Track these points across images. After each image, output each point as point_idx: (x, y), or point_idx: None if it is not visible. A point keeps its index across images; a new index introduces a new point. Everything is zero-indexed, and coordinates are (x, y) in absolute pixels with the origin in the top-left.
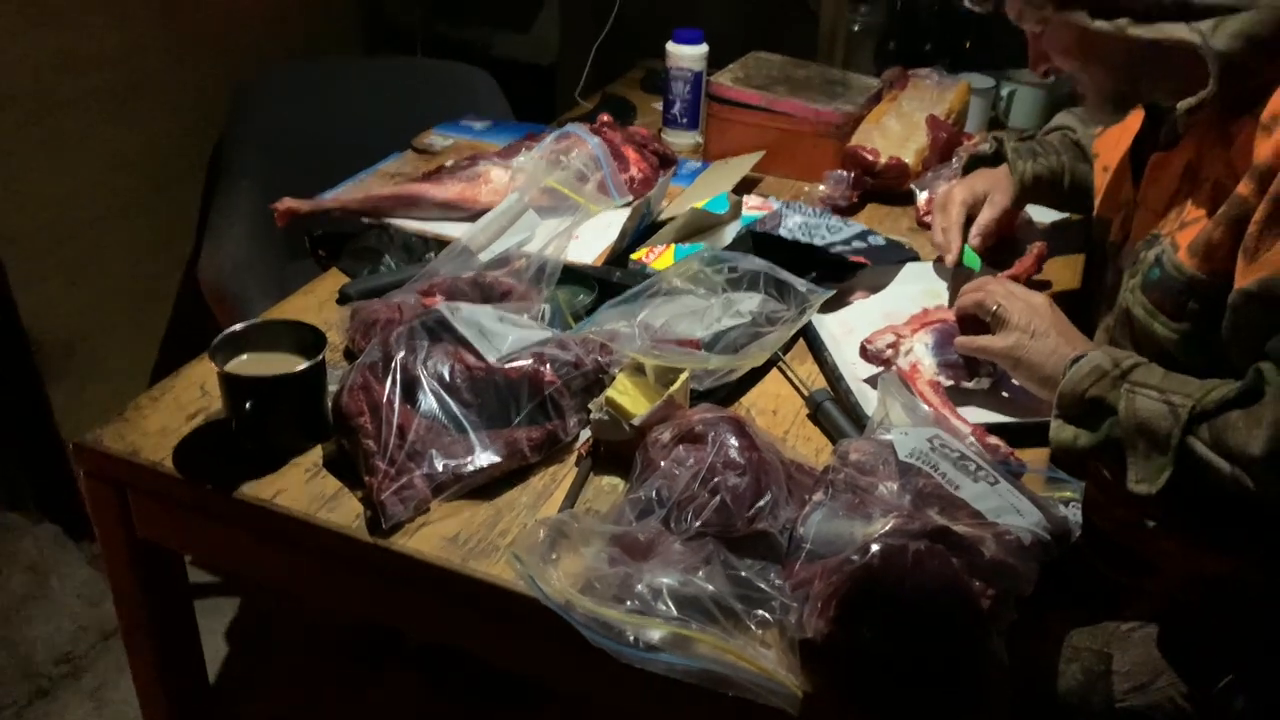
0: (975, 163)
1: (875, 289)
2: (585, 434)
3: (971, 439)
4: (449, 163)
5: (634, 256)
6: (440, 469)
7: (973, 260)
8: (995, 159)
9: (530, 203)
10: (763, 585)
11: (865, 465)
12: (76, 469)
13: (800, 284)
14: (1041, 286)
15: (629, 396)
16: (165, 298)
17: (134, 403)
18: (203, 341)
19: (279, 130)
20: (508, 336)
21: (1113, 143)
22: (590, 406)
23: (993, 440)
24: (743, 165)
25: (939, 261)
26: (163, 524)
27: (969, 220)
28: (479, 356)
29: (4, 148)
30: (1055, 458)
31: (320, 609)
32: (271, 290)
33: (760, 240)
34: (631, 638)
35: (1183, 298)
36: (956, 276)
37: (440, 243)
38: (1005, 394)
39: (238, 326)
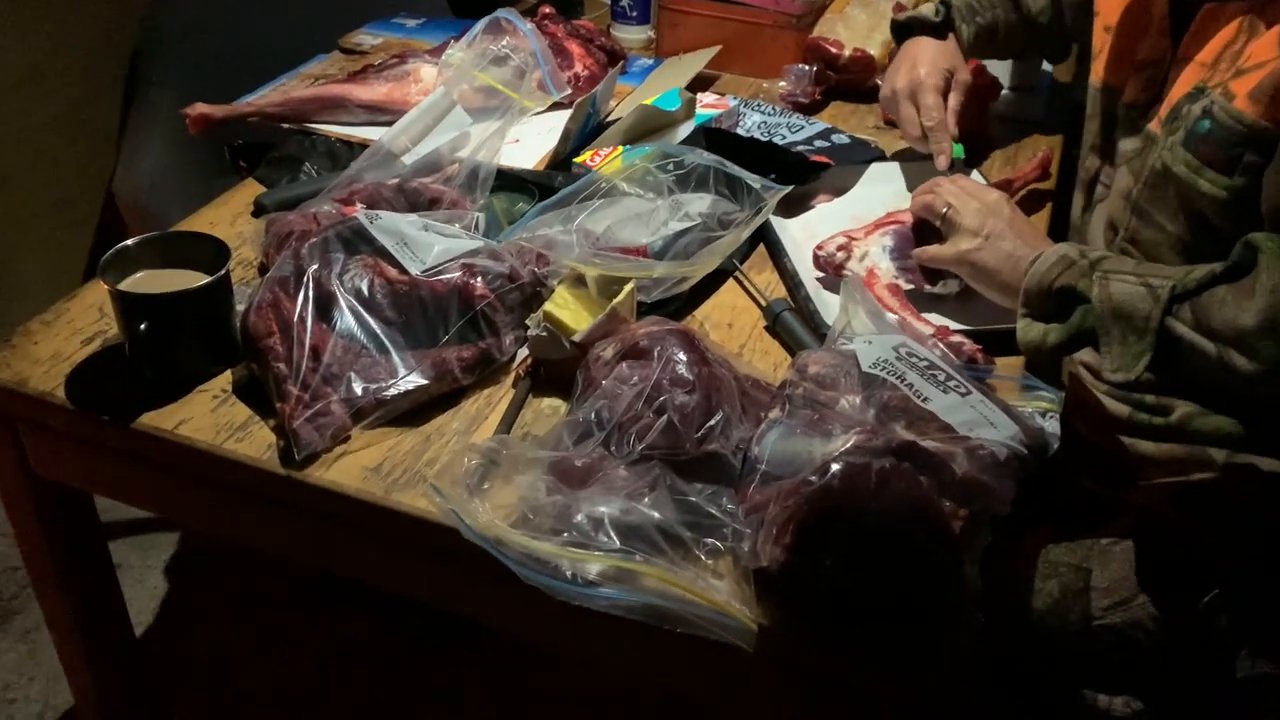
0: (913, 27)
1: (840, 191)
2: (522, 352)
3: (935, 341)
4: (376, 62)
5: (578, 160)
6: (360, 393)
7: (958, 152)
8: (941, 27)
9: (459, 100)
10: (714, 511)
11: (825, 378)
12: None
13: (755, 181)
14: (1046, 195)
15: (569, 310)
16: (87, 218)
17: (23, 328)
18: None
19: (201, 34)
20: (433, 247)
21: (1117, 1)
22: (527, 322)
23: (956, 339)
24: (697, 61)
25: (905, 157)
26: (59, 461)
27: None
28: (402, 270)
29: None
30: (1026, 358)
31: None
32: (194, 207)
33: (714, 138)
34: (569, 573)
35: (1237, 150)
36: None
37: (365, 148)
38: (974, 300)
39: (130, 241)
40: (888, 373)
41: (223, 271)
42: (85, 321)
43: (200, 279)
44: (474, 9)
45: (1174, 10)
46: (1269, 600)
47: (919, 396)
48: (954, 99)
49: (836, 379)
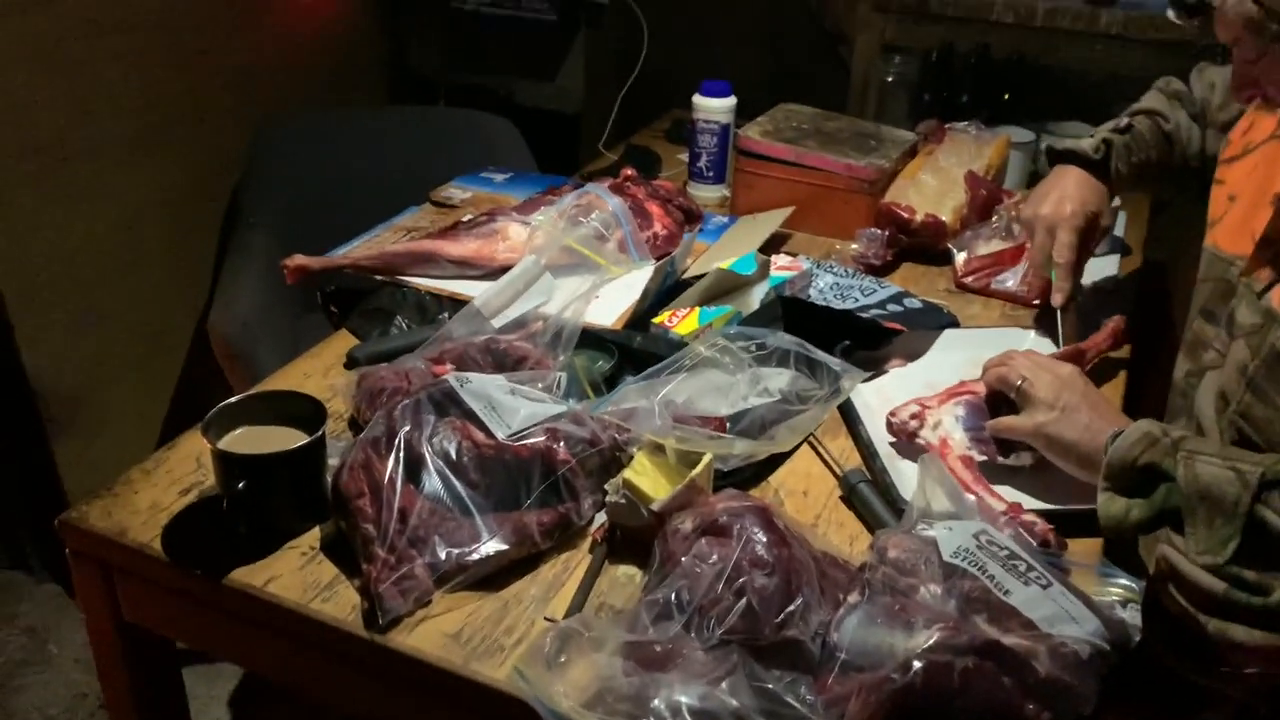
0: (1069, 158)
1: (913, 356)
2: (600, 518)
3: (1008, 519)
4: (466, 218)
5: (656, 320)
6: (443, 557)
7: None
8: (1098, 165)
9: (548, 264)
10: (792, 701)
11: (905, 564)
12: (67, 546)
13: (834, 363)
14: (1119, 364)
15: (648, 478)
16: (176, 351)
17: (124, 476)
18: (213, 400)
19: (296, 180)
20: (519, 411)
21: (1246, 172)
22: (606, 488)
23: (1028, 517)
24: (771, 221)
25: (977, 324)
26: (150, 608)
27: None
28: (488, 433)
29: (19, 199)
30: (1106, 533)
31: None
32: (283, 346)
33: (790, 306)
34: None
35: None
36: (1064, 320)
37: (455, 302)
38: (1047, 475)
39: (233, 400)
40: (969, 562)
41: (318, 433)
42: (183, 471)
43: (297, 436)
44: (559, 165)
45: None
46: None
47: (1000, 589)
48: (1090, 245)
49: (916, 565)
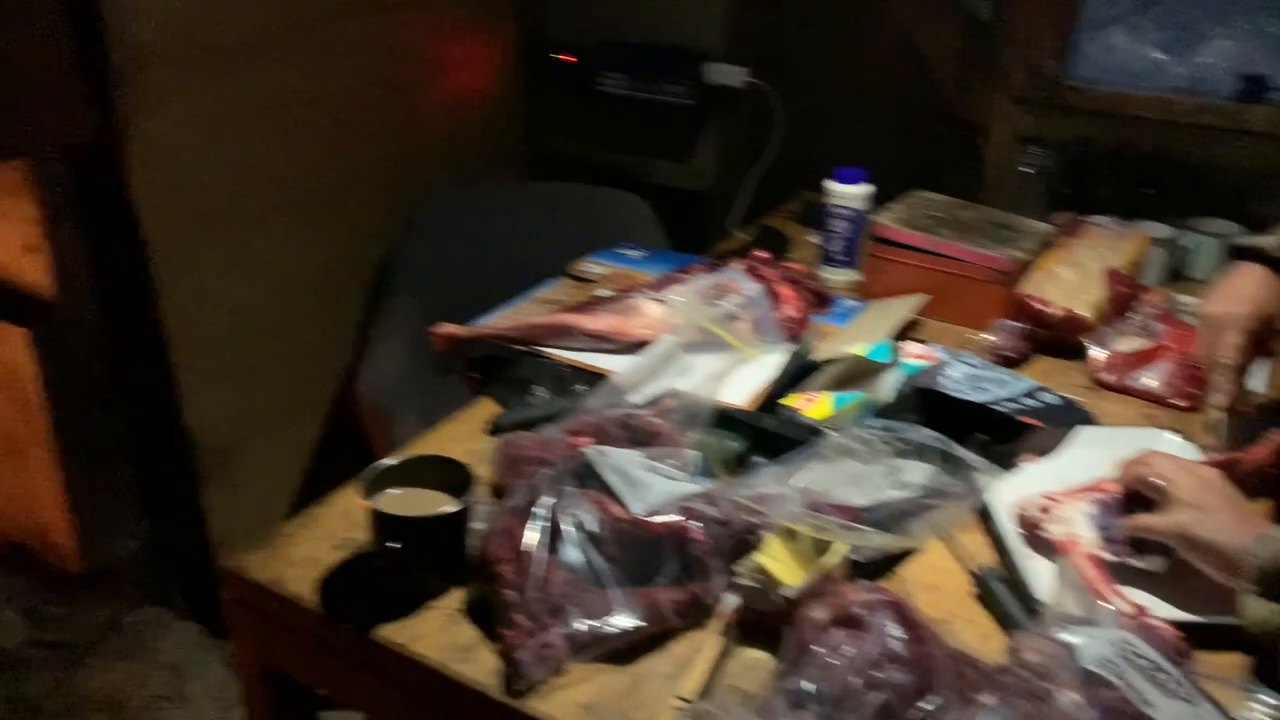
0: (1251, 254)
1: (1047, 452)
2: (730, 599)
3: (1132, 622)
4: (603, 293)
5: (787, 402)
6: (581, 628)
7: None
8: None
9: (685, 343)
10: None
11: (1043, 669)
12: (224, 592)
13: (977, 461)
14: (1273, 485)
15: (781, 564)
16: (319, 409)
17: (282, 529)
18: (350, 455)
19: (441, 251)
20: (655, 487)
21: None
22: (738, 570)
23: (1155, 623)
24: (903, 308)
25: (1115, 423)
26: (298, 656)
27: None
28: (625, 508)
29: (195, 259)
30: (1252, 637)
31: None
32: (423, 408)
33: (925, 396)
34: None
35: None
36: (1219, 426)
37: (591, 374)
38: (1184, 584)
39: (390, 460)
40: (1110, 671)
41: (470, 500)
42: (335, 527)
43: (443, 500)
44: (688, 242)
45: None
46: None
47: (1144, 701)
48: (1263, 350)
49: (1055, 671)
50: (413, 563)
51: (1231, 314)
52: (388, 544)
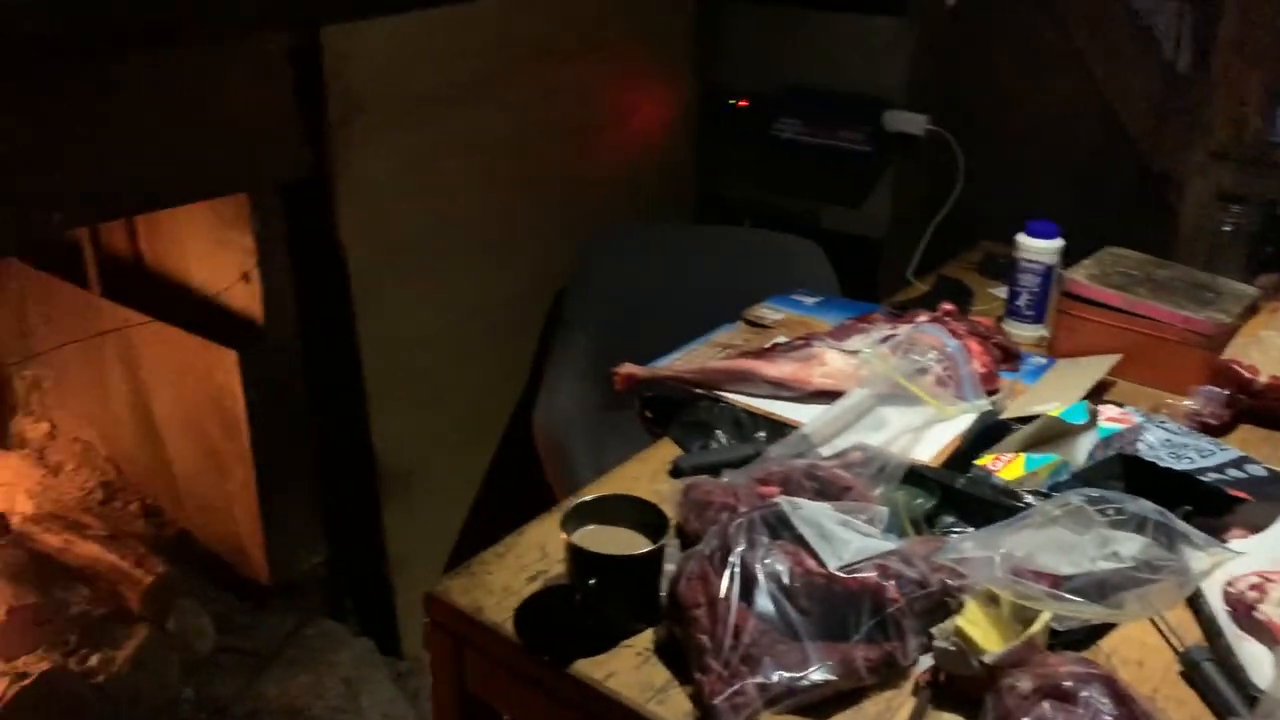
0: None
1: (1257, 528)
2: (925, 661)
3: None
4: (781, 339)
5: (979, 462)
6: (775, 679)
7: None
8: None
9: (876, 397)
10: None
11: None
12: (426, 617)
13: (1198, 536)
14: None
15: (980, 629)
16: (493, 437)
17: (479, 558)
18: (521, 483)
19: (614, 289)
20: (851, 543)
21: None
22: (934, 632)
23: None
24: (1097, 368)
25: None
26: (493, 683)
27: None
28: (819, 561)
29: (389, 291)
30: None
31: None
32: (594, 443)
33: (1131, 464)
34: None
35: None
36: None
37: (769, 420)
38: None
39: (589, 498)
40: None
41: (664, 541)
42: (530, 559)
43: (636, 538)
44: (859, 289)
45: None
46: None
47: None
48: None
49: None
50: (608, 600)
51: None
52: (585, 580)
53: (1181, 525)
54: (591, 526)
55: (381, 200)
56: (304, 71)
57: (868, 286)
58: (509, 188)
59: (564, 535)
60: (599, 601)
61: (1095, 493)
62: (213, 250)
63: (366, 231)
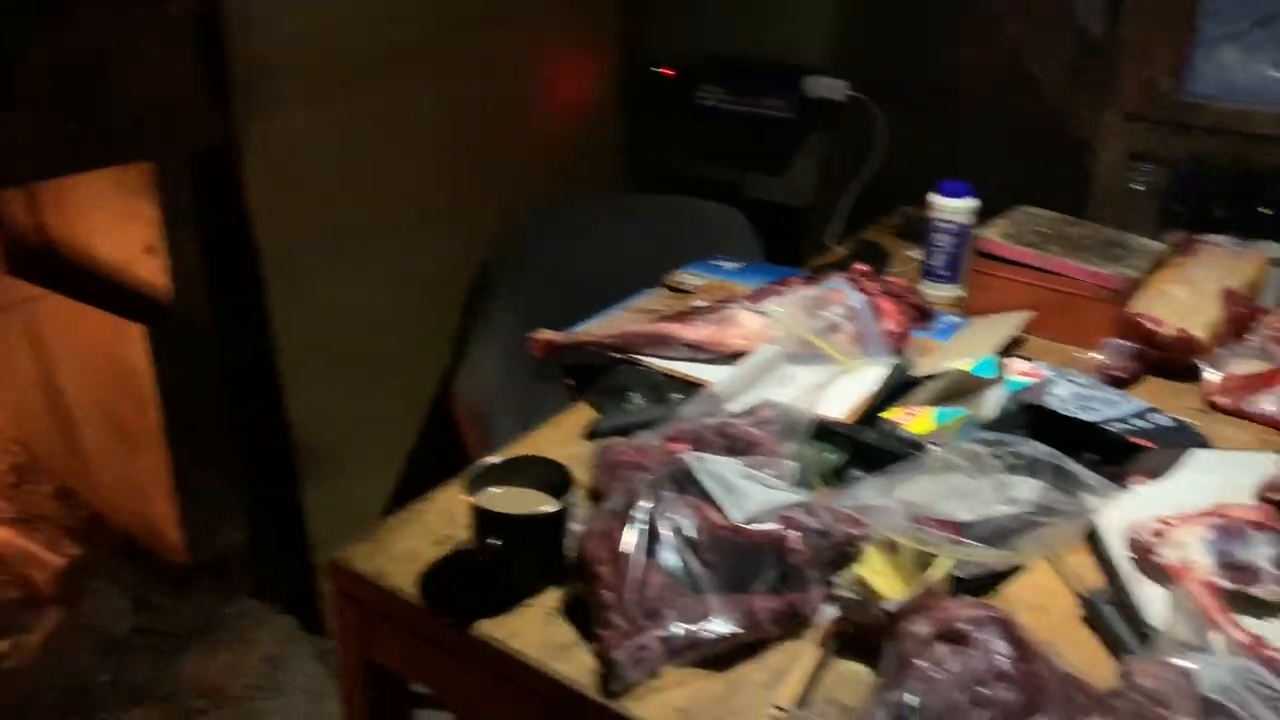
0: None
1: (1158, 475)
2: (827, 610)
3: (1246, 654)
4: (700, 303)
5: (888, 416)
6: (678, 632)
7: None
8: None
9: (785, 355)
10: None
11: (1158, 694)
12: (331, 584)
13: (1091, 478)
14: None
15: (882, 577)
16: (418, 412)
17: (385, 524)
18: (446, 458)
19: (539, 261)
20: (754, 496)
21: None
22: (837, 582)
23: (1271, 653)
24: (1008, 325)
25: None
26: (399, 650)
27: None
28: (723, 514)
29: (305, 263)
30: None
31: None
32: (518, 412)
33: (1033, 413)
34: None
35: None
36: None
37: (687, 383)
38: None
39: (493, 459)
40: (1231, 700)
41: (570, 500)
42: (437, 523)
43: (542, 499)
44: (784, 256)
45: None
46: None
47: None
48: None
49: (1170, 697)
50: (512, 560)
51: None
52: (489, 541)
53: (1074, 466)
54: (497, 489)
55: (297, 170)
56: (207, 36)
57: (793, 254)
58: (432, 159)
59: (467, 497)
60: (503, 562)
61: (991, 437)
62: (119, 222)
63: (280, 202)
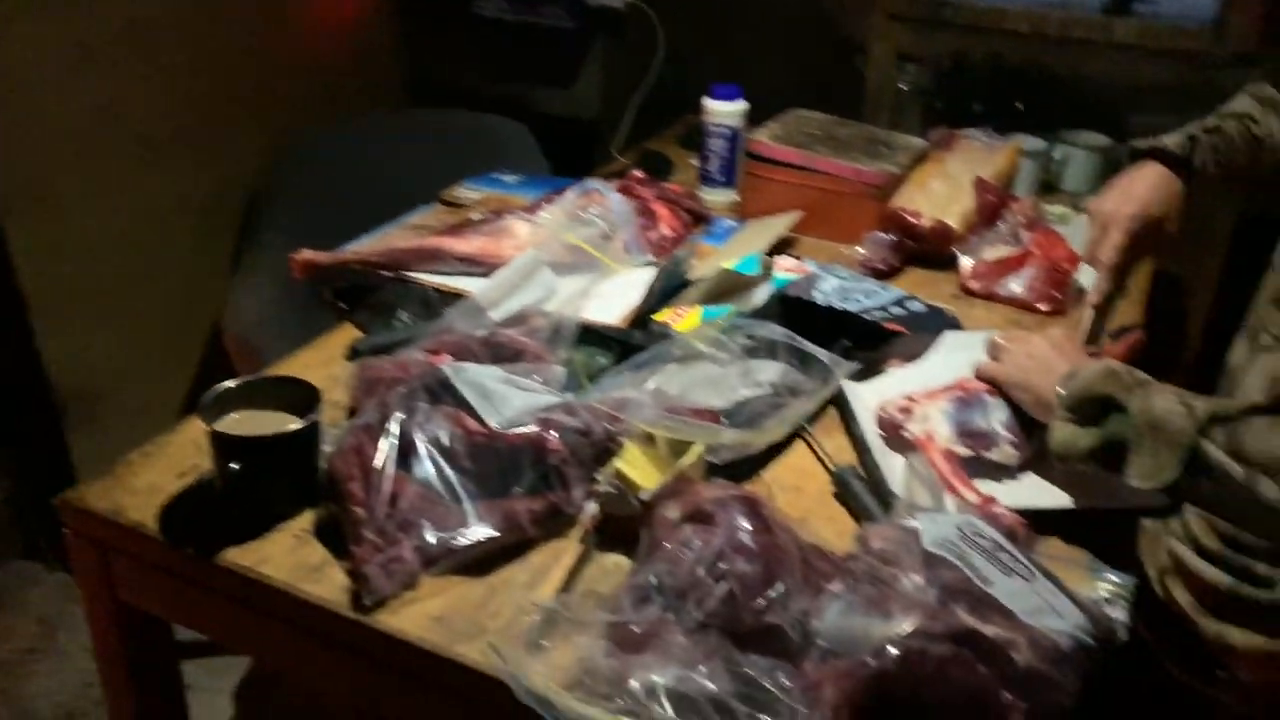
0: (1152, 154)
1: (913, 358)
2: (590, 507)
3: (977, 512)
4: (474, 216)
5: (657, 318)
6: (432, 541)
7: None
8: (1181, 162)
9: (549, 260)
10: (769, 686)
11: (888, 554)
12: (66, 526)
13: (823, 355)
14: None
15: (638, 469)
16: (193, 350)
17: (125, 459)
18: None
19: (313, 184)
20: (512, 401)
21: None
22: (597, 478)
23: (997, 509)
24: (778, 225)
25: (979, 327)
26: (145, 588)
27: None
28: (481, 421)
29: (49, 193)
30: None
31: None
32: (295, 345)
33: (790, 305)
34: None
35: None
36: (1093, 321)
37: (460, 298)
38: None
39: (230, 383)
40: (950, 552)
41: (313, 417)
42: (182, 456)
43: (292, 421)
44: (576, 171)
45: None
46: None
47: (982, 580)
48: (1145, 249)
49: (899, 555)
50: (255, 484)
51: (1119, 213)
52: (228, 466)
53: (808, 345)
54: (241, 413)
55: (31, 90)
56: None
57: (583, 167)
58: (183, 77)
59: (201, 422)
60: (245, 487)
61: (730, 323)
62: None
63: (15, 126)
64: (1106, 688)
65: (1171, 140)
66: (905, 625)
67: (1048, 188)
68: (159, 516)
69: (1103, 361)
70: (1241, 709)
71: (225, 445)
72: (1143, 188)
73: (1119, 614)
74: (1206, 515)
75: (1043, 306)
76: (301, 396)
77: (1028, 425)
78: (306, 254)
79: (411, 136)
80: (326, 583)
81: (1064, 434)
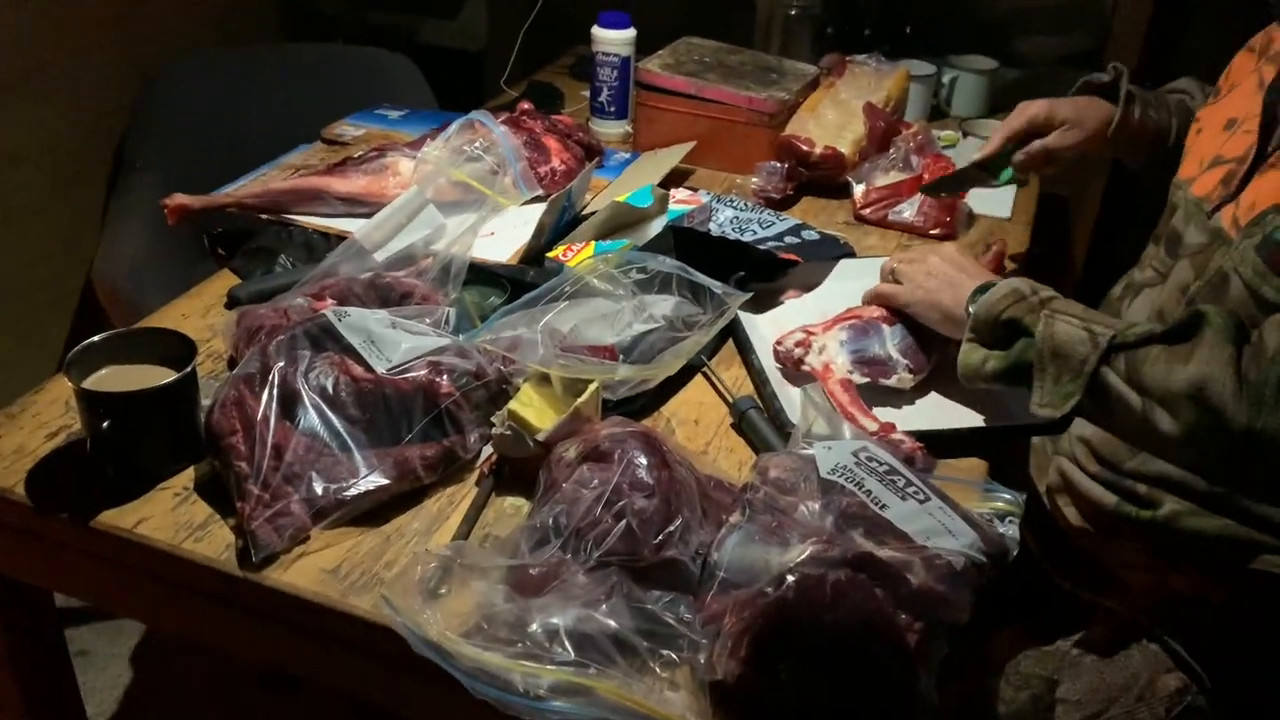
0: (1086, 89)
1: (809, 287)
2: (486, 450)
3: (875, 438)
4: (356, 154)
5: (551, 254)
6: (320, 493)
7: (1006, 175)
8: (1109, 89)
9: (434, 197)
10: (671, 620)
11: (785, 483)
12: None
13: (716, 286)
14: None
15: (534, 409)
16: (64, 307)
17: None
18: None
19: (187, 122)
20: (400, 344)
21: (1215, 108)
22: (492, 420)
23: (896, 435)
24: (672, 157)
25: (874, 254)
26: (18, 556)
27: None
28: (368, 368)
29: None
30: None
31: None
32: (174, 294)
33: (683, 236)
34: (520, 687)
35: None
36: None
37: (343, 240)
38: (930, 399)
39: (97, 338)
40: (846, 479)
41: (187, 370)
42: (51, 416)
43: (168, 375)
44: (463, 104)
45: (1266, 110)
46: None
47: (877, 504)
48: (1051, 138)
49: (796, 484)
50: (130, 442)
51: (1026, 107)
52: (99, 424)
53: (699, 276)
54: (110, 369)
55: None
56: None
57: (472, 101)
58: (35, 9)
59: (68, 380)
60: (117, 446)
61: (624, 243)
62: None
63: None
64: (996, 598)
65: (1104, 77)
66: (801, 552)
67: (937, 112)
68: (27, 481)
69: (1006, 281)
70: (1125, 612)
71: (93, 403)
72: (1064, 100)
73: (1010, 531)
74: (1088, 441)
75: (934, 232)
76: (177, 348)
77: (927, 344)
78: (179, 198)
79: (290, 72)
80: (211, 541)
81: (972, 357)
